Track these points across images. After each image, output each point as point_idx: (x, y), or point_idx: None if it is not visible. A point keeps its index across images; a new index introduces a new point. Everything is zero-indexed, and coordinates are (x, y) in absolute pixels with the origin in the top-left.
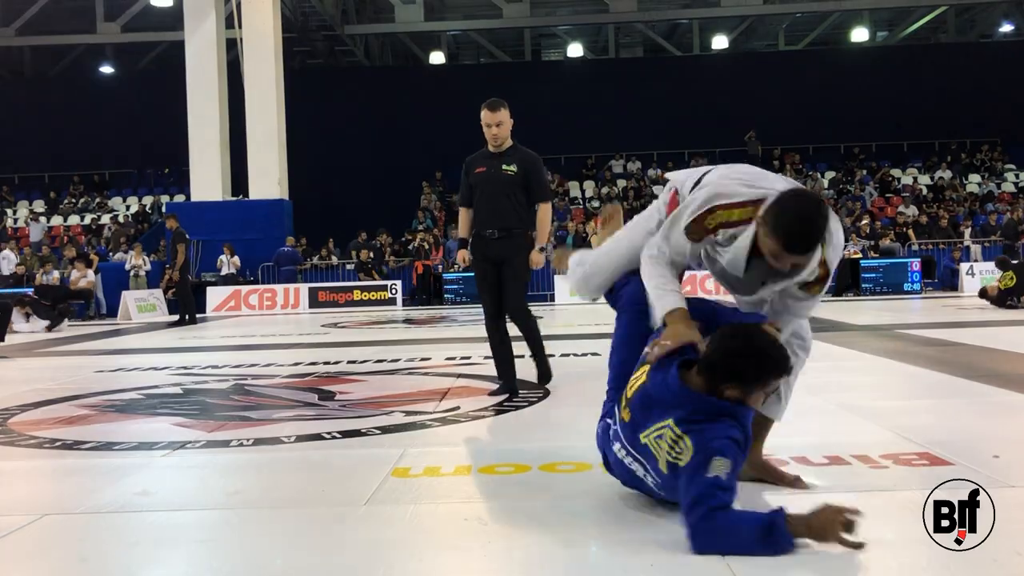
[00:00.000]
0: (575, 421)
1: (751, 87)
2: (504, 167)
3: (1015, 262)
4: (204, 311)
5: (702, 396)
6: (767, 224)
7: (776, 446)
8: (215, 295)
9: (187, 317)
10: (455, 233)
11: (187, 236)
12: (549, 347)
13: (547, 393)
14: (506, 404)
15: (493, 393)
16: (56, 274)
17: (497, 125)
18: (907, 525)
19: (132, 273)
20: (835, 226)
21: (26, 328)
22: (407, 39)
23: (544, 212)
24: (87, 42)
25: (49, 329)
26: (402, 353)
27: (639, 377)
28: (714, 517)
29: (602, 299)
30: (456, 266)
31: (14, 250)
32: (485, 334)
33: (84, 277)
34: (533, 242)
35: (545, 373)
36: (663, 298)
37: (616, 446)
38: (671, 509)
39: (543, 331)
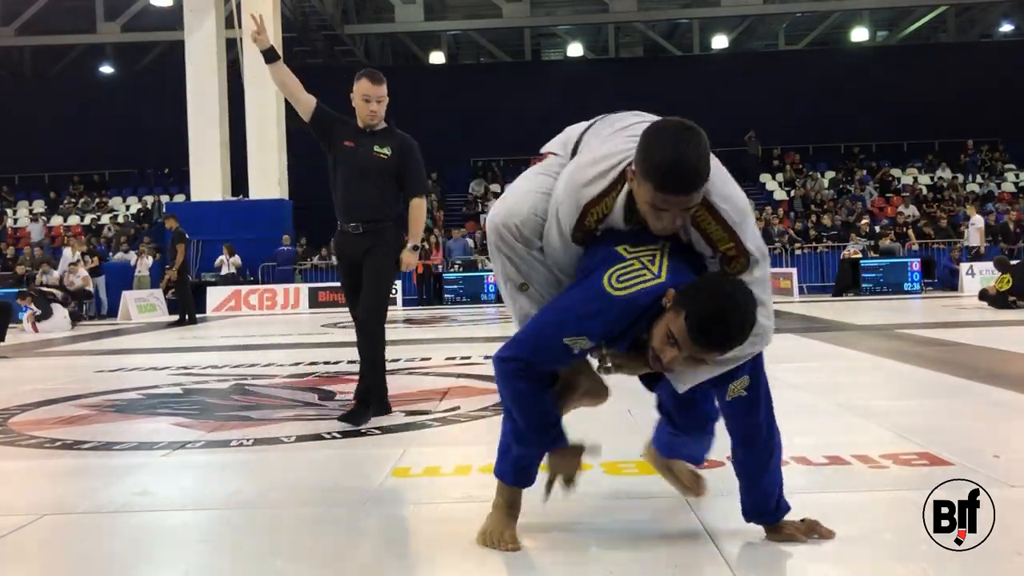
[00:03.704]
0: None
1: (751, 87)
2: (377, 149)
3: (1014, 263)
4: (204, 311)
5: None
6: (638, 174)
7: None
8: (215, 295)
9: (187, 317)
10: (455, 233)
11: (187, 236)
12: None
13: None
14: None
15: (344, 418)
16: (56, 274)
17: (378, 101)
18: (907, 525)
19: (137, 273)
20: (719, 169)
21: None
22: (407, 39)
23: (418, 208)
24: (87, 42)
25: (38, 319)
26: (402, 353)
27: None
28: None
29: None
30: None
31: (74, 247)
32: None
33: (78, 277)
34: (404, 241)
35: (360, 412)
36: None
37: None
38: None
39: None
